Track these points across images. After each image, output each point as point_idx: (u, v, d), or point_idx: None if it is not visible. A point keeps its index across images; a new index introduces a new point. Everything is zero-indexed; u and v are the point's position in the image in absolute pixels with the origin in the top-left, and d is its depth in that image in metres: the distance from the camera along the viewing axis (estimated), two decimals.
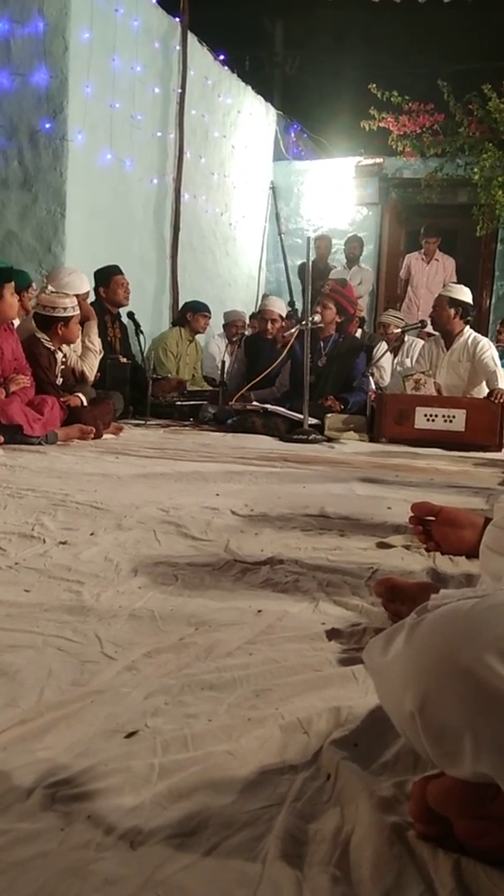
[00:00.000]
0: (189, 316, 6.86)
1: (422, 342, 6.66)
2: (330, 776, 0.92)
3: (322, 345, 5.71)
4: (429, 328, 6.93)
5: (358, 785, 0.88)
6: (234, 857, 0.77)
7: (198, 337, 7.15)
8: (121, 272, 5.87)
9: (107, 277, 5.82)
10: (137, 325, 5.95)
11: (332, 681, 1.20)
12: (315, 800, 0.88)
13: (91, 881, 0.73)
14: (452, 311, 5.44)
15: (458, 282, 8.81)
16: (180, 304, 7.51)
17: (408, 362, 6.39)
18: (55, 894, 0.71)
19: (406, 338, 6.59)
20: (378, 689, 0.88)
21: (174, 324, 7.15)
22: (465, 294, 5.49)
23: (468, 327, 5.53)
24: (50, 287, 4.81)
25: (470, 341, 5.50)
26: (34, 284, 5.37)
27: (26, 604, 1.53)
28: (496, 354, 5.58)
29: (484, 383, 5.41)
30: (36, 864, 0.75)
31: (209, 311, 7.03)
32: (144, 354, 6.07)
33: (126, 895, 0.71)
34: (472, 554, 1.76)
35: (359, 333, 7.05)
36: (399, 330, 6.14)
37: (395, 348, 6.64)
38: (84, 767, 0.92)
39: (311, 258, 6.21)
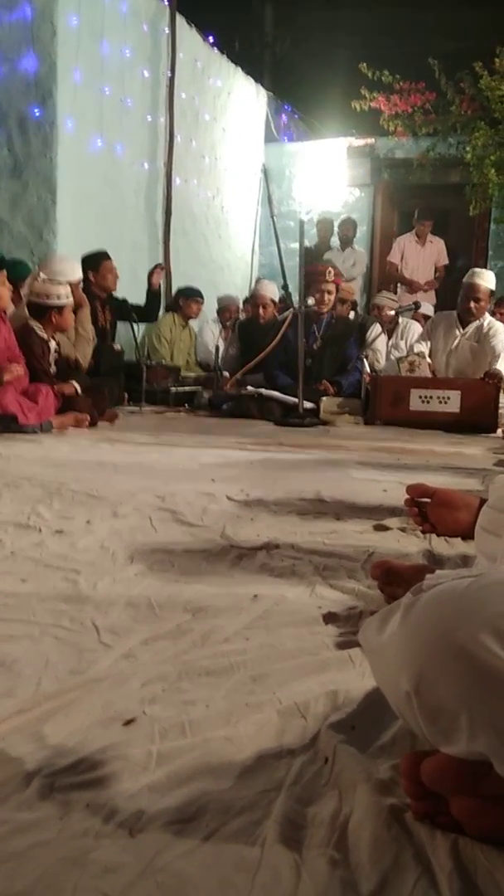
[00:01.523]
0: (182, 301, 6.85)
1: (416, 323, 6.65)
2: (327, 760, 0.92)
3: (316, 327, 5.70)
4: (423, 310, 6.94)
5: (355, 768, 0.88)
6: (232, 843, 0.77)
7: (191, 322, 7.13)
8: (109, 258, 5.83)
9: (96, 263, 5.77)
10: (131, 313, 5.93)
11: (329, 664, 1.20)
12: (313, 783, 0.88)
13: (90, 869, 0.73)
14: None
15: (451, 261, 8.82)
16: (173, 289, 7.49)
17: (402, 344, 6.38)
18: (54, 883, 0.71)
19: (400, 319, 6.57)
20: (374, 669, 0.89)
21: (167, 309, 7.13)
22: (494, 281, 5.56)
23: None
24: (42, 275, 4.78)
25: (486, 325, 5.50)
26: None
27: (23, 593, 1.53)
28: None
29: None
30: (35, 853, 0.75)
31: (202, 297, 7.01)
32: (138, 341, 6.05)
33: (125, 882, 0.71)
34: (468, 535, 1.76)
35: (352, 315, 7.05)
36: (393, 312, 6.12)
37: (390, 330, 6.63)
38: (82, 756, 0.92)
39: (307, 242, 6.18)
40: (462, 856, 0.75)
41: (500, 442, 4.41)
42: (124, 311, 5.98)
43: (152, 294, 6.31)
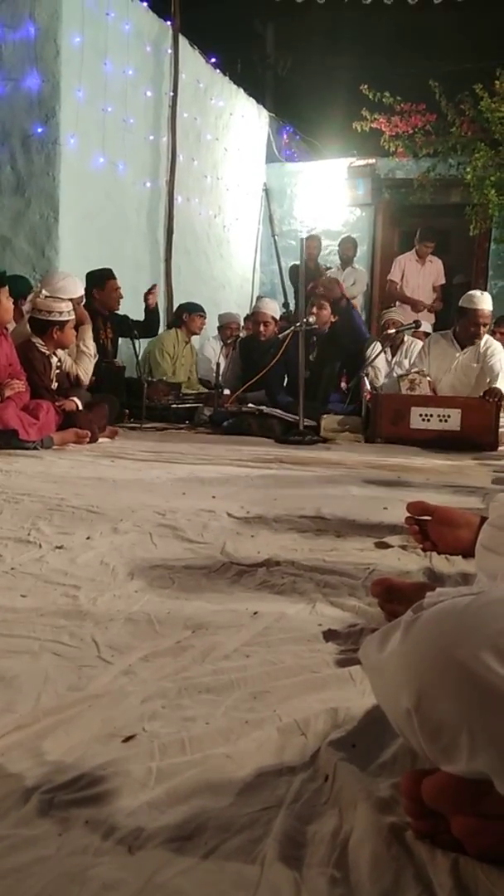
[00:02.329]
0: (185, 317, 6.87)
1: (420, 342, 6.65)
2: (328, 777, 0.92)
3: (315, 339, 5.72)
4: (424, 327, 6.95)
5: (356, 786, 0.88)
6: (232, 860, 0.77)
7: (193, 339, 7.15)
8: (114, 276, 5.87)
9: (102, 281, 5.81)
10: (132, 329, 5.95)
11: (330, 682, 1.20)
12: (313, 801, 0.88)
13: (89, 886, 0.73)
14: None
15: (451, 281, 8.86)
16: (175, 307, 7.52)
17: (406, 363, 6.38)
18: None
19: (406, 338, 6.57)
20: (374, 687, 0.89)
21: (170, 325, 7.15)
22: (491, 302, 5.62)
23: None
24: (44, 291, 4.80)
25: (483, 343, 5.51)
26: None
27: (23, 609, 1.52)
28: None
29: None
30: (34, 870, 0.75)
31: (204, 312, 7.04)
32: (139, 357, 6.07)
33: None
34: (469, 553, 1.76)
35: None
36: (394, 331, 6.12)
37: (394, 348, 6.63)
38: (81, 772, 0.92)
39: (295, 260, 6.25)
40: (462, 875, 0.74)
41: (498, 459, 4.40)
42: (125, 327, 6.00)
43: (150, 311, 6.35)
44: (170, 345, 6.79)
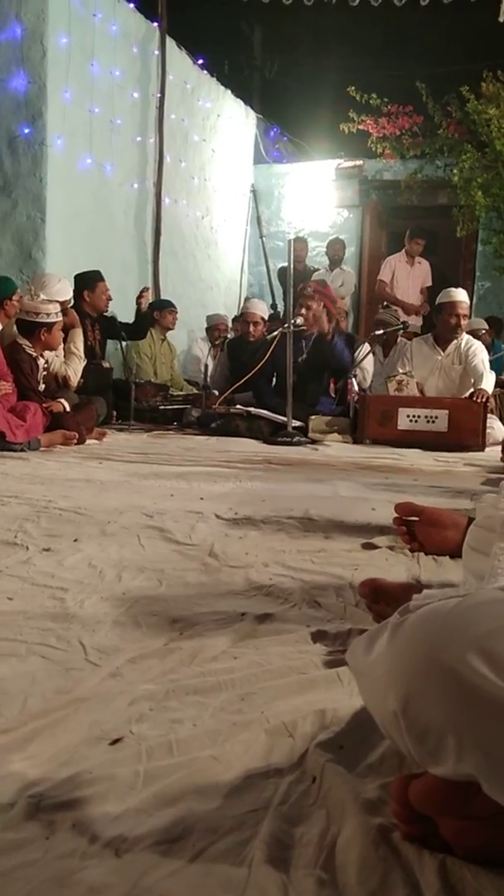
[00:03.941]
0: (157, 314, 6.86)
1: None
2: (315, 779, 0.92)
3: (304, 343, 5.73)
4: (412, 330, 6.97)
5: (343, 787, 0.88)
6: (219, 863, 0.77)
7: (181, 340, 7.15)
8: (104, 278, 5.87)
9: (92, 283, 5.81)
10: (120, 332, 5.94)
11: (317, 683, 1.19)
12: (300, 803, 0.88)
13: (76, 890, 0.72)
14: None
15: (439, 282, 8.88)
16: None
17: (397, 364, 6.39)
18: None
19: (399, 339, 6.58)
20: (361, 690, 0.89)
21: None
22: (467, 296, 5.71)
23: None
24: (32, 292, 4.79)
25: (464, 344, 5.54)
26: (18, 291, 5.35)
27: (9, 612, 1.52)
28: (486, 357, 5.63)
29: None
30: (21, 874, 0.75)
31: (174, 306, 7.04)
32: (127, 359, 6.06)
33: None
34: (456, 554, 1.77)
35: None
36: (381, 332, 6.13)
37: (388, 349, 6.64)
38: (68, 775, 0.92)
39: (282, 262, 6.24)
40: (450, 876, 0.74)
41: (486, 460, 4.41)
42: (113, 329, 5.99)
43: (142, 315, 6.34)
44: (146, 346, 6.80)
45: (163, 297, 7.75)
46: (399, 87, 8.61)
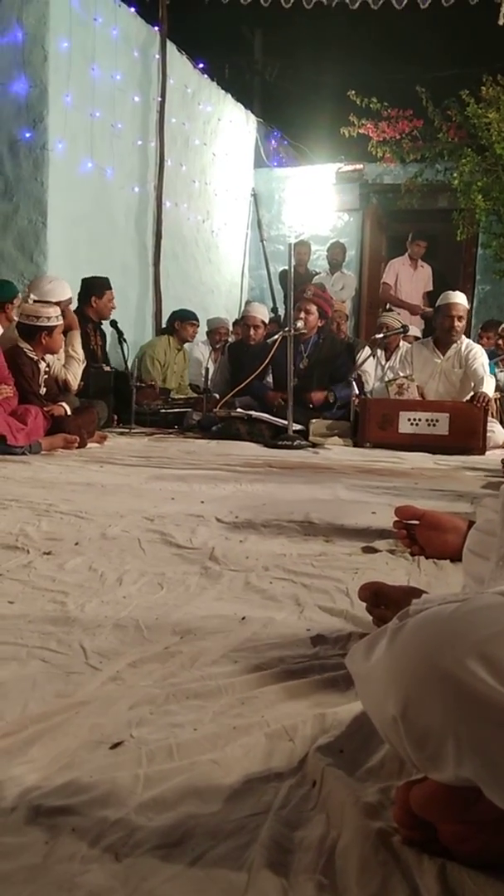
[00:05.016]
0: (177, 324, 6.86)
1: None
2: (315, 783, 0.92)
3: (303, 348, 5.73)
4: (414, 331, 6.97)
5: (343, 791, 0.88)
6: (219, 867, 0.77)
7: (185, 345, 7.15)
8: (111, 286, 5.92)
9: (101, 290, 5.86)
10: (121, 334, 5.95)
11: (318, 687, 1.20)
12: (300, 807, 0.88)
13: (77, 894, 0.73)
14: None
15: (440, 286, 8.88)
16: (164, 312, 7.52)
17: (398, 367, 6.38)
18: None
19: (401, 343, 6.57)
20: (361, 694, 0.89)
21: (162, 332, 7.15)
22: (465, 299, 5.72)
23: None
24: (32, 296, 4.79)
25: (464, 348, 5.54)
26: (19, 295, 5.35)
27: (10, 615, 1.52)
28: (486, 361, 5.63)
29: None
30: (21, 878, 0.75)
31: (197, 320, 7.04)
32: (128, 363, 6.07)
33: None
34: (456, 557, 1.77)
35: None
36: (381, 335, 6.13)
37: (390, 352, 6.64)
38: (69, 780, 0.92)
39: (283, 265, 6.24)
40: (449, 880, 0.75)
41: (487, 464, 4.41)
42: (115, 331, 6.01)
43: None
44: (161, 352, 6.78)
45: (164, 300, 7.76)
46: (399, 91, 8.62)
